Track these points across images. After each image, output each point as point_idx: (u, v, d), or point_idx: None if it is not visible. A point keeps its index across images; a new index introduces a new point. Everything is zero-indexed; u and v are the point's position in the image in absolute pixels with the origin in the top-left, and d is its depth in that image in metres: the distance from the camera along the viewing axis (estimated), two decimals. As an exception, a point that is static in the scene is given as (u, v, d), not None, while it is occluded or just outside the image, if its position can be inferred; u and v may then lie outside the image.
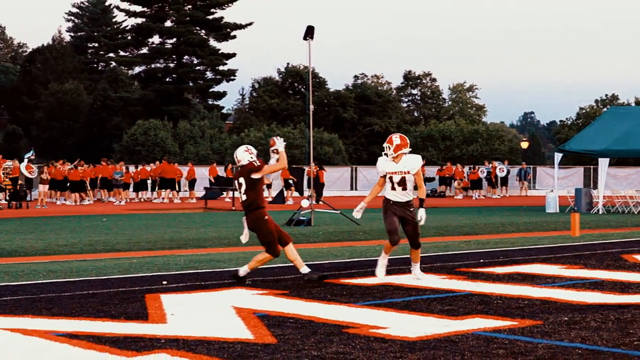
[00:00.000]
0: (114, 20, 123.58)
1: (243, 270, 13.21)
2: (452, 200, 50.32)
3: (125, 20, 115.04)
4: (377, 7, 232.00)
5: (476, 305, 10.68)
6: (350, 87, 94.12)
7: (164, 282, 12.71)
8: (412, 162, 12.54)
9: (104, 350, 7.84)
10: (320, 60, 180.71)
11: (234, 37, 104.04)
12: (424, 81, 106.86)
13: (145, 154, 71.26)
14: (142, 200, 47.71)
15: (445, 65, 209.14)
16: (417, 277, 12.93)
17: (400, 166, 12.48)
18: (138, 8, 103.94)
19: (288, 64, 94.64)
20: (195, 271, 14.37)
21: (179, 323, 9.37)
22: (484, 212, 35.32)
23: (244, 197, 13.68)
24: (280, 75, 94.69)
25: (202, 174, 50.39)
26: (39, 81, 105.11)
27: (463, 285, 12.57)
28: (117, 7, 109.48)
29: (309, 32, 29.34)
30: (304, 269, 13.26)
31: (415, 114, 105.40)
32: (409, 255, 17.01)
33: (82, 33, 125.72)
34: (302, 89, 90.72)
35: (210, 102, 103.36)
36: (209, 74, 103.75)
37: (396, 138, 12.68)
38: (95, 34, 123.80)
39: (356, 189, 59.65)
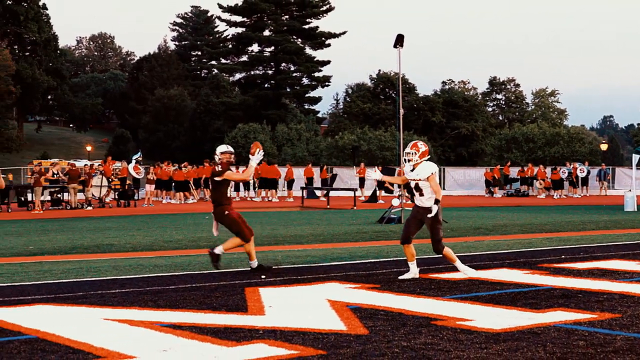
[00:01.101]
0: (215, 29, 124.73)
1: (218, 250, 13.93)
2: (535, 199, 49.71)
3: (227, 29, 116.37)
4: (464, 17, 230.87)
5: (557, 299, 10.54)
6: (439, 92, 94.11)
7: (263, 276, 12.76)
8: (423, 170, 12.45)
9: (205, 340, 7.90)
10: (410, 67, 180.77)
11: (329, 45, 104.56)
12: (509, 86, 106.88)
13: (246, 155, 71.33)
14: (242, 199, 47.96)
15: (529, 71, 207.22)
16: (467, 273, 12.66)
17: (414, 174, 12.44)
18: (238, 18, 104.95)
19: (379, 70, 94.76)
20: (292, 266, 14.36)
21: (276, 315, 9.38)
22: (565, 211, 34.83)
23: (210, 195, 14.38)
24: (372, 81, 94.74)
25: (299, 174, 50.51)
26: (146, 87, 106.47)
27: (545, 280, 12.41)
28: (219, 18, 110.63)
29: (399, 41, 29.23)
30: (254, 263, 13.85)
31: (500, 118, 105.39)
32: (493, 251, 16.93)
33: (186, 42, 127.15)
34: (393, 94, 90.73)
35: (306, 107, 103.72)
36: (305, 80, 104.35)
37: (414, 142, 12.63)
38: (199, 42, 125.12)
39: (444, 189, 59.18)
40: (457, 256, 13.06)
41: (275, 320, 9.00)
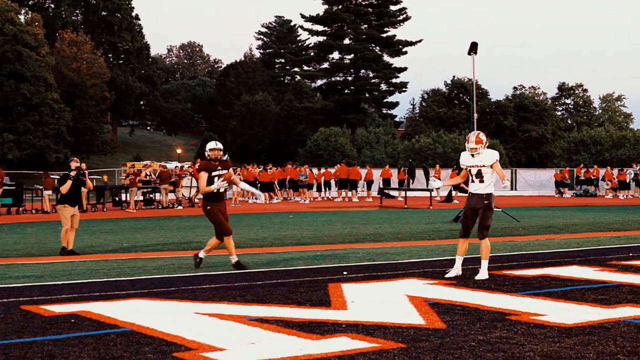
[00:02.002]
0: (298, 38, 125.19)
1: (201, 254, 14.20)
2: (602, 199, 49.01)
3: (309, 38, 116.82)
4: (534, 25, 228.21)
5: (626, 295, 10.43)
6: (510, 97, 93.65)
7: (344, 273, 12.73)
8: (487, 157, 12.29)
9: (291, 334, 7.92)
10: (483, 73, 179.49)
11: (405, 52, 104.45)
12: (577, 91, 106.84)
13: (327, 157, 71.77)
14: (324, 198, 48.09)
15: (596, 77, 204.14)
16: (480, 276, 12.23)
17: (477, 160, 12.26)
18: (320, 27, 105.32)
19: (454, 76, 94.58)
20: (372, 263, 14.31)
21: (358, 309, 9.36)
22: (632, 211, 34.27)
23: None
24: (447, 87, 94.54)
25: (379, 176, 50.44)
26: (233, 93, 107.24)
27: (614, 277, 12.24)
28: (301, 27, 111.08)
29: (473, 48, 29.07)
30: (233, 258, 13.97)
31: (569, 122, 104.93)
32: (564, 249, 16.70)
33: (270, 50, 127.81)
34: (466, 99, 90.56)
35: (384, 111, 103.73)
36: (383, 86, 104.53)
37: (474, 136, 12.41)
38: (282, 50, 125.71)
39: (516, 189, 58.73)
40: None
41: (357, 315, 8.99)
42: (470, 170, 12.42)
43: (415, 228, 24.06)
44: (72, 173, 17.70)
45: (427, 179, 49.59)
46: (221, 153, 14.15)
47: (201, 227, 25.44)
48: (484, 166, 12.28)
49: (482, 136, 12.33)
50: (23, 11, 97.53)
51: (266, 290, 10.87)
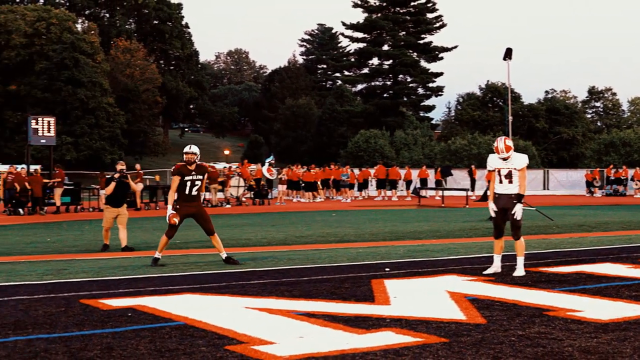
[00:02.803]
0: (339, 45, 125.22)
1: (157, 254, 14.32)
2: (631, 199, 48.48)
3: (349, 45, 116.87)
4: (565, 31, 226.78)
5: (660, 291, 10.27)
6: (542, 100, 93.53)
7: (387, 269, 12.64)
8: (519, 160, 12.13)
9: (337, 328, 7.86)
10: (516, 77, 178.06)
11: (442, 58, 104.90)
12: (606, 95, 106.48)
13: (367, 158, 71.79)
14: (364, 197, 48.02)
15: (625, 81, 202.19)
16: (517, 273, 12.05)
17: (509, 163, 12.10)
18: (360, 34, 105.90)
19: (488, 81, 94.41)
20: (413, 260, 14.20)
21: (401, 305, 9.28)
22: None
23: None
24: (481, 91, 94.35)
25: (415, 175, 50.29)
26: (277, 97, 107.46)
27: (648, 273, 12.09)
28: (342, 34, 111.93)
29: (508, 54, 28.88)
30: (223, 254, 14.26)
31: (598, 124, 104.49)
32: (597, 247, 16.52)
33: (313, 56, 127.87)
34: (500, 103, 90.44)
35: (421, 114, 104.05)
36: (420, 90, 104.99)
37: (502, 143, 12.21)
38: (324, 56, 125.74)
39: (548, 189, 58.43)
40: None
41: (400, 310, 8.92)
42: (499, 171, 12.27)
43: (452, 226, 23.91)
44: (116, 175, 17.77)
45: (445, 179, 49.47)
46: (195, 157, 14.10)
47: (248, 225, 25.50)
48: (514, 169, 12.15)
49: (509, 142, 12.19)
50: (80, 20, 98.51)
51: (312, 286, 10.82)
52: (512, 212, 12.11)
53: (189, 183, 14.08)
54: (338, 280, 11.36)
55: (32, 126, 36.86)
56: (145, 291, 10.49)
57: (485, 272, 12.18)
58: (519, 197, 12.11)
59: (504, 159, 12.11)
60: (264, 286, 10.87)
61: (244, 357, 6.66)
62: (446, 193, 43.15)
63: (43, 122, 37.32)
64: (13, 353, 6.87)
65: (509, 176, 12.17)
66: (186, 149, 14.15)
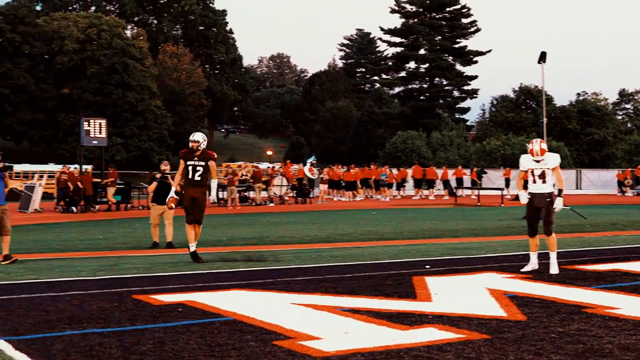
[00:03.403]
0: (377, 49, 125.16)
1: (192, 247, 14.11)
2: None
3: (387, 49, 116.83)
4: (595, 35, 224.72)
5: (698, 288, 10.08)
6: (574, 102, 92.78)
7: (427, 266, 12.53)
8: (552, 160, 11.96)
9: (381, 324, 7.79)
10: (548, 80, 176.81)
11: (476, 62, 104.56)
12: (636, 97, 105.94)
13: (404, 159, 71.65)
14: (403, 196, 47.85)
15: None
16: (552, 270, 11.82)
17: (542, 164, 11.92)
18: (397, 39, 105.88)
19: (521, 83, 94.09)
20: (452, 257, 14.07)
21: (442, 301, 9.18)
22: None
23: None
24: (515, 93, 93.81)
25: (451, 175, 50.02)
26: (317, 100, 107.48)
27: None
28: (380, 39, 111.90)
29: (543, 57, 28.62)
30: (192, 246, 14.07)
31: (629, 125, 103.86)
32: (631, 245, 16.28)
33: (352, 60, 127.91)
34: (533, 105, 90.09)
35: (456, 116, 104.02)
36: (455, 93, 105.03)
37: (537, 146, 12.02)
38: (362, 60, 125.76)
39: (580, 188, 57.94)
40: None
41: (442, 307, 8.81)
42: (533, 171, 12.12)
43: (489, 224, 23.73)
44: (157, 175, 17.82)
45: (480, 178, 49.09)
46: (197, 144, 14.12)
47: (292, 223, 25.48)
48: (547, 168, 12.00)
49: (544, 145, 12.02)
50: (129, 27, 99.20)
51: (355, 283, 10.72)
52: (554, 206, 11.98)
53: (191, 168, 14.11)
54: (380, 277, 11.26)
55: (84, 128, 37.11)
56: (194, 287, 10.46)
57: (522, 270, 12.03)
58: (559, 192, 12.01)
59: (538, 161, 11.99)
60: (308, 283, 10.81)
61: (292, 352, 6.60)
62: (482, 192, 42.90)
63: (95, 124, 37.58)
64: (69, 347, 6.87)
65: (542, 176, 12.03)
66: (190, 137, 14.31)
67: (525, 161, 12.25)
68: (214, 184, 14.70)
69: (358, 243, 17.62)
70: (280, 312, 8.49)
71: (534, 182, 12.12)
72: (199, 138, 14.22)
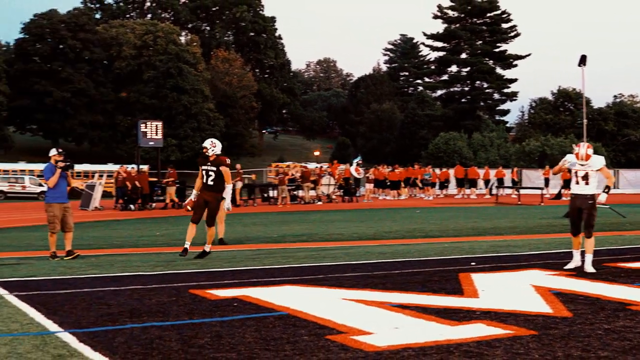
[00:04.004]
0: (420, 53, 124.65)
1: (207, 247, 14.11)
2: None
3: (429, 54, 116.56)
4: (632, 37, 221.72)
5: None
6: (610, 104, 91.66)
7: (473, 263, 12.37)
8: (596, 162, 11.70)
9: (430, 320, 7.65)
10: (586, 82, 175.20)
11: (516, 65, 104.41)
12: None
13: (446, 159, 71.40)
14: (445, 195, 47.59)
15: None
16: (586, 269, 11.57)
17: (586, 167, 11.68)
18: (439, 44, 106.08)
19: (559, 86, 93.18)
20: (496, 255, 13.87)
21: (489, 298, 9.02)
22: None
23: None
24: (553, 95, 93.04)
25: (493, 175, 49.65)
26: (363, 102, 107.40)
27: None
28: (423, 44, 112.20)
29: (583, 61, 28.27)
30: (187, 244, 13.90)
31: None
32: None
33: (396, 64, 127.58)
34: (571, 107, 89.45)
35: (496, 118, 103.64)
36: (496, 95, 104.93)
37: (584, 149, 11.77)
38: (406, 64, 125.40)
39: (617, 187, 57.18)
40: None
41: (489, 303, 8.65)
42: (577, 172, 11.91)
43: (530, 222, 23.47)
44: None
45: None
46: (206, 150, 14.13)
47: (340, 221, 25.42)
48: (591, 170, 11.79)
49: (591, 151, 11.81)
50: (183, 33, 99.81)
51: (403, 279, 10.60)
52: (598, 200, 11.80)
53: (204, 173, 14.14)
54: (427, 274, 11.12)
55: (142, 130, 37.41)
56: (248, 282, 10.41)
57: (566, 267, 11.83)
58: (607, 188, 11.82)
59: (582, 164, 11.81)
60: (358, 279, 10.69)
61: (344, 346, 6.51)
62: (522, 191, 42.52)
63: (151, 126, 37.87)
64: (130, 339, 6.85)
65: (585, 177, 11.84)
66: (203, 143, 14.35)
67: (571, 161, 12.05)
68: (227, 189, 14.38)
69: (404, 240, 17.50)
70: (332, 307, 8.39)
71: (577, 182, 11.92)
72: (207, 144, 14.22)
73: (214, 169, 13.99)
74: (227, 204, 14.48)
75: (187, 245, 13.89)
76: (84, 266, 12.78)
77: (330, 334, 6.99)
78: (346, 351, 6.35)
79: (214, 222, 14.26)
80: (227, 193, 14.43)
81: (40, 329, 7.40)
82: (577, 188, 11.93)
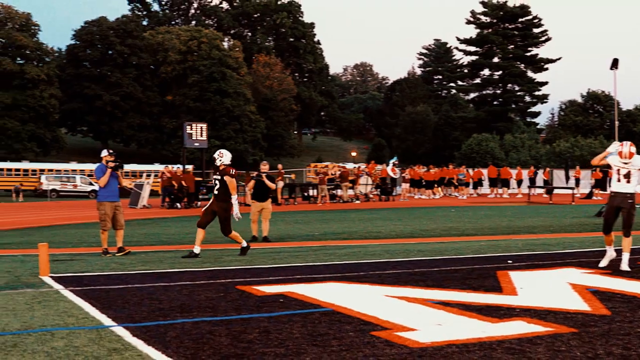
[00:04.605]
0: (453, 58, 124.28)
1: (196, 249, 13.75)
2: None
3: (462, 58, 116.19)
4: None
5: None
6: (638, 107, 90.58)
7: (509, 261, 12.18)
8: (639, 160, 11.42)
9: (472, 317, 7.53)
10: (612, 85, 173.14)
11: (547, 69, 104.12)
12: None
13: (479, 159, 71.10)
14: (478, 195, 47.28)
15: None
16: (622, 267, 11.29)
17: (629, 165, 11.41)
18: (472, 48, 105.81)
19: (589, 89, 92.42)
20: (532, 253, 13.66)
21: (527, 295, 8.84)
22: None
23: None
24: (583, 98, 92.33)
25: (525, 175, 49.23)
26: (398, 105, 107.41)
27: None
28: (456, 48, 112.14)
29: (615, 64, 27.95)
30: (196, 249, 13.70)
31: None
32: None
33: (430, 68, 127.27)
34: (600, 109, 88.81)
35: (528, 120, 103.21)
36: (527, 98, 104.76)
37: (627, 148, 11.49)
38: (439, 68, 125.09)
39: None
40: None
41: (528, 300, 8.49)
42: (619, 170, 11.67)
43: (563, 221, 23.18)
44: (254, 174, 17.82)
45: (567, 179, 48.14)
46: (215, 160, 14.08)
47: (378, 219, 25.31)
48: (633, 168, 11.57)
49: (634, 149, 11.58)
50: (226, 39, 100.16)
51: (443, 276, 10.46)
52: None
53: (214, 182, 14.17)
54: (465, 272, 10.98)
55: (187, 131, 37.54)
56: (293, 279, 10.32)
57: (600, 265, 11.62)
58: None
59: (625, 163, 11.57)
60: (398, 276, 10.58)
61: (389, 342, 6.41)
62: (553, 191, 42.15)
63: (196, 128, 37.97)
64: (182, 334, 6.82)
65: (627, 176, 11.61)
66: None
67: (613, 159, 11.83)
68: (233, 199, 13.94)
69: (441, 238, 17.34)
70: (375, 304, 8.29)
71: (619, 180, 11.68)
72: (215, 154, 14.17)
73: (219, 178, 13.88)
74: (235, 211, 13.99)
75: (196, 250, 13.68)
76: (134, 262, 12.79)
77: (375, 330, 6.90)
78: (391, 347, 6.26)
79: (229, 230, 13.96)
80: (234, 203, 13.95)
81: (95, 323, 7.40)
82: (618, 186, 11.68)
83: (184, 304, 8.37)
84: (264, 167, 18.05)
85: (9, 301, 8.72)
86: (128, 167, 58.42)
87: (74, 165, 66.92)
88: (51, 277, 10.78)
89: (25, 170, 64.75)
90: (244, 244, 14.04)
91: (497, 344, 6.33)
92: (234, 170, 14.02)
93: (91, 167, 65.38)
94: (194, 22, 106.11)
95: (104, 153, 14.82)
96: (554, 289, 9.41)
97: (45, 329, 7.10)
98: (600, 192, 42.72)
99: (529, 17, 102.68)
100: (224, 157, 14.02)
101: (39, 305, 8.45)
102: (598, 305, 8.19)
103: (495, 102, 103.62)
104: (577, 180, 46.60)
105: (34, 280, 10.54)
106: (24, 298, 8.93)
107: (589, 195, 42.29)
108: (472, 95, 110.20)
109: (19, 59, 79.48)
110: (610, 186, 11.81)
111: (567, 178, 46.64)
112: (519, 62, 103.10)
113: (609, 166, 12.01)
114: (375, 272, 11.06)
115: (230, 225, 13.96)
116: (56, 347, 6.30)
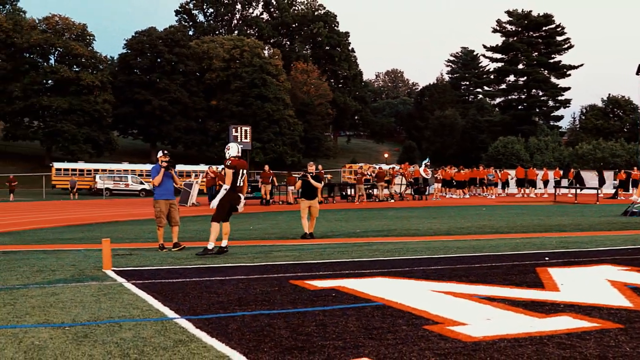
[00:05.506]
0: (480, 64, 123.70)
1: (224, 242, 13.32)
2: None
3: (488, 64, 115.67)
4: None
5: None
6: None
7: (546, 258, 11.93)
8: None
9: (519, 312, 7.32)
10: (634, 89, 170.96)
11: (569, 75, 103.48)
12: None
13: (505, 161, 70.68)
14: (506, 194, 46.84)
15: None
16: None
17: None
18: (498, 55, 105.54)
19: (609, 94, 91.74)
20: (567, 250, 13.36)
21: (569, 291, 8.60)
22: None
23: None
24: (604, 102, 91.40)
25: (551, 176, 48.71)
26: (427, 109, 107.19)
27: None
28: (483, 55, 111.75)
29: (640, 69, 27.44)
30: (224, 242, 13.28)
31: None
32: None
33: (457, 74, 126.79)
34: (620, 113, 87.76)
35: (551, 123, 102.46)
36: (550, 103, 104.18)
37: None
38: (467, 75, 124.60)
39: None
40: None
41: (571, 296, 8.25)
42: None
43: (590, 220, 22.76)
44: (299, 174, 17.73)
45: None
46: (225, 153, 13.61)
47: (414, 217, 25.10)
48: None
49: None
50: (267, 48, 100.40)
51: (485, 272, 10.23)
52: None
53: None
54: (505, 268, 10.74)
55: (233, 134, 37.56)
56: (342, 274, 10.18)
57: None
58: None
59: None
60: (442, 271, 10.37)
61: (443, 336, 6.26)
62: (578, 191, 41.59)
63: (241, 131, 38.01)
64: (242, 326, 6.71)
65: None
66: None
67: None
68: (222, 188, 13.45)
69: (477, 236, 17.07)
70: (423, 298, 8.12)
71: None
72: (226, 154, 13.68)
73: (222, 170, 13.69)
74: (213, 203, 13.41)
75: (223, 243, 13.31)
76: (190, 257, 12.74)
77: (427, 324, 6.73)
78: (445, 341, 6.10)
79: (216, 218, 13.37)
80: (220, 193, 13.43)
81: (159, 315, 7.33)
82: None
83: (242, 298, 8.27)
84: (311, 167, 17.93)
85: (77, 293, 8.69)
86: (178, 167, 58.78)
87: (125, 166, 67.35)
88: (113, 270, 10.76)
89: (81, 170, 65.33)
90: (210, 245, 13.15)
91: (548, 339, 6.14)
92: (229, 161, 13.42)
93: (141, 167, 65.83)
94: (236, 32, 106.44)
95: (160, 154, 14.80)
96: (594, 285, 9.15)
97: (112, 320, 7.06)
98: (623, 192, 42.09)
99: (553, 26, 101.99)
100: (230, 149, 13.61)
101: (105, 297, 8.41)
102: (639, 302, 7.95)
103: (520, 107, 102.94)
104: (602, 181, 45.80)
105: (98, 273, 10.52)
106: (90, 290, 8.90)
107: (614, 196, 41.67)
108: (497, 100, 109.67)
109: (75, 66, 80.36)
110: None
111: (602, 180, 45.52)
112: (542, 69, 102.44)
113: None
114: (419, 267, 10.87)
115: (221, 216, 13.39)
116: (125, 338, 6.25)
